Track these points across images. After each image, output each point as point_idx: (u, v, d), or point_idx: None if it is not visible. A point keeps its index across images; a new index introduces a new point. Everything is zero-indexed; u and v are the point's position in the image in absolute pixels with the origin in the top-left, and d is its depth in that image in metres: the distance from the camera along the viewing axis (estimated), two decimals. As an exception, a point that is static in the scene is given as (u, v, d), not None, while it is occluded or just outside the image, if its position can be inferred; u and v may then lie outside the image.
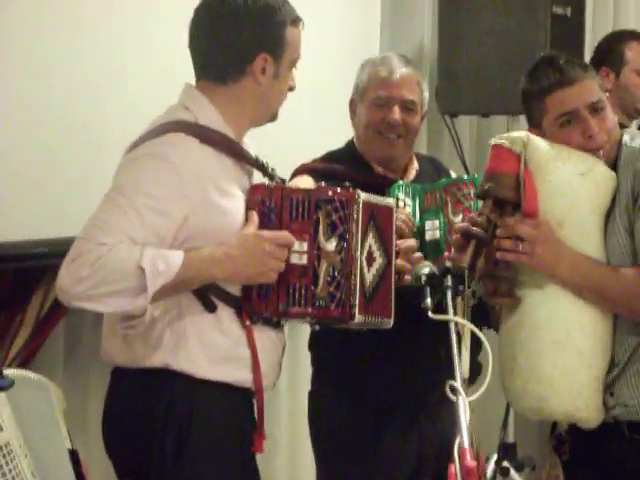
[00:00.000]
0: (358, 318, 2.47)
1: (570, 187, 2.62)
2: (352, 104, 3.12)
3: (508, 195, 2.65)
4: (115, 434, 2.53)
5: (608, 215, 2.63)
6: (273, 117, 2.60)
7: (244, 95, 2.52)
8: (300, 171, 3.05)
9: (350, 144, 3.14)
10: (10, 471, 1.87)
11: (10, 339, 3.03)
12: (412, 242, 2.80)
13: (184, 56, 2.54)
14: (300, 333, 3.45)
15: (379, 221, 2.58)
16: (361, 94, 3.08)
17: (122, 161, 2.47)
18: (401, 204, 2.94)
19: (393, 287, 2.62)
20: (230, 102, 2.52)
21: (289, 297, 2.45)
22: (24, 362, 3.03)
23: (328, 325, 2.55)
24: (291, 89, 2.59)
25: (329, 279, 2.44)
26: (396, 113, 3.01)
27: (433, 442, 3.01)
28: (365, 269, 2.52)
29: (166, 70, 3.23)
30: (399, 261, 2.70)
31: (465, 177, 3.04)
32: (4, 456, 1.86)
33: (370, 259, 2.54)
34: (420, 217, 2.97)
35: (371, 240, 2.55)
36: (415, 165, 3.14)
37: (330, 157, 3.08)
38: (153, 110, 2.51)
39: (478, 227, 2.66)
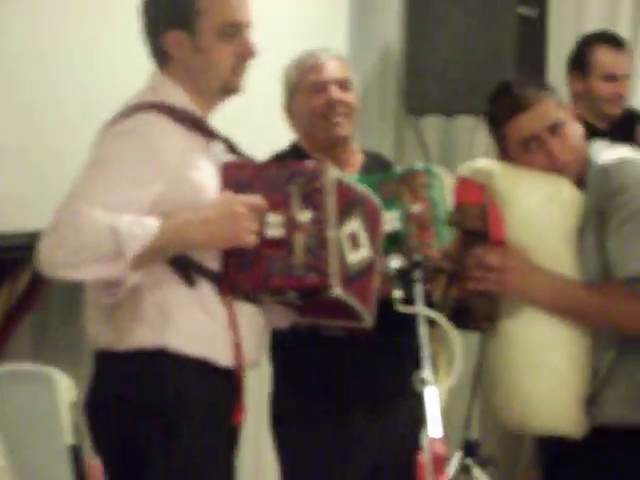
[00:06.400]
0: (336, 290, 2.48)
1: (537, 214, 2.64)
2: (286, 107, 3.10)
3: (475, 226, 2.68)
4: (101, 421, 2.52)
5: (580, 235, 2.65)
6: (226, 89, 2.57)
7: (179, 74, 2.54)
8: None
9: (295, 145, 3.11)
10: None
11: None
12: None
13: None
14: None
15: (367, 213, 2.61)
16: (294, 89, 3.07)
17: (97, 139, 2.51)
18: None
19: (376, 285, 2.64)
20: (176, 82, 2.54)
21: (267, 269, 2.47)
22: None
23: (310, 298, 2.54)
24: (247, 55, 2.55)
25: (306, 249, 2.46)
26: (335, 92, 3.01)
27: (393, 435, 3.02)
28: (346, 246, 2.53)
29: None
30: None
31: (420, 166, 3.00)
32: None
33: (354, 242, 2.56)
34: None
35: (355, 224, 2.57)
36: (358, 156, 3.13)
37: (278, 158, 3.03)
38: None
39: (449, 259, 2.71)
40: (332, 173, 2.53)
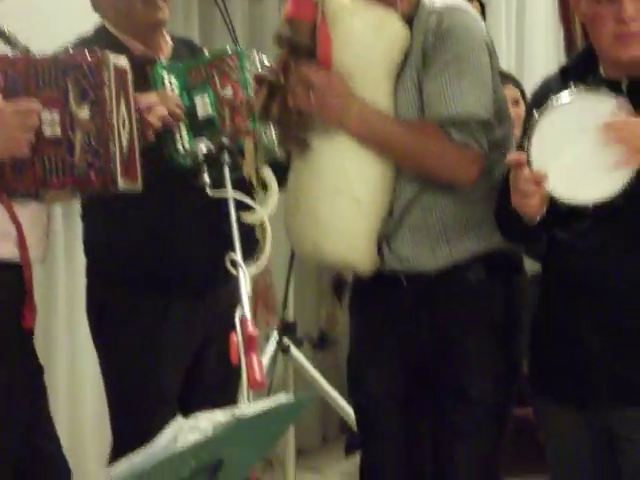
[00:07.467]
0: (121, 185, 2.44)
1: (362, 39, 2.64)
2: None
3: (303, 42, 2.65)
4: None
5: (400, 72, 2.67)
6: None
7: None
8: None
9: (102, 30, 3.00)
10: None
11: None
12: (152, 97, 2.77)
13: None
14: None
15: (121, 83, 2.50)
16: None
17: None
18: (167, 84, 2.89)
19: (138, 147, 2.57)
20: None
21: (46, 169, 2.38)
22: None
23: (90, 193, 2.54)
24: None
25: (86, 147, 2.39)
26: None
27: (217, 320, 3.01)
28: (122, 134, 2.46)
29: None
30: (149, 118, 2.69)
31: (229, 50, 2.96)
32: None
33: (123, 124, 2.49)
34: (188, 95, 2.91)
35: (122, 106, 2.50)
36: (168, 41, 3.07)
37: (83, 43, 2.87)
38: None
39: (272, 73, 2.67)
40: (111, 62, 2.42)
